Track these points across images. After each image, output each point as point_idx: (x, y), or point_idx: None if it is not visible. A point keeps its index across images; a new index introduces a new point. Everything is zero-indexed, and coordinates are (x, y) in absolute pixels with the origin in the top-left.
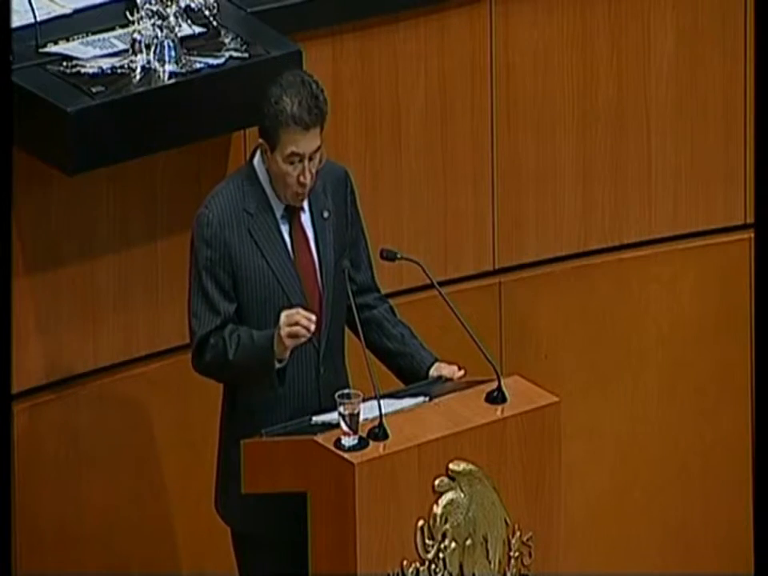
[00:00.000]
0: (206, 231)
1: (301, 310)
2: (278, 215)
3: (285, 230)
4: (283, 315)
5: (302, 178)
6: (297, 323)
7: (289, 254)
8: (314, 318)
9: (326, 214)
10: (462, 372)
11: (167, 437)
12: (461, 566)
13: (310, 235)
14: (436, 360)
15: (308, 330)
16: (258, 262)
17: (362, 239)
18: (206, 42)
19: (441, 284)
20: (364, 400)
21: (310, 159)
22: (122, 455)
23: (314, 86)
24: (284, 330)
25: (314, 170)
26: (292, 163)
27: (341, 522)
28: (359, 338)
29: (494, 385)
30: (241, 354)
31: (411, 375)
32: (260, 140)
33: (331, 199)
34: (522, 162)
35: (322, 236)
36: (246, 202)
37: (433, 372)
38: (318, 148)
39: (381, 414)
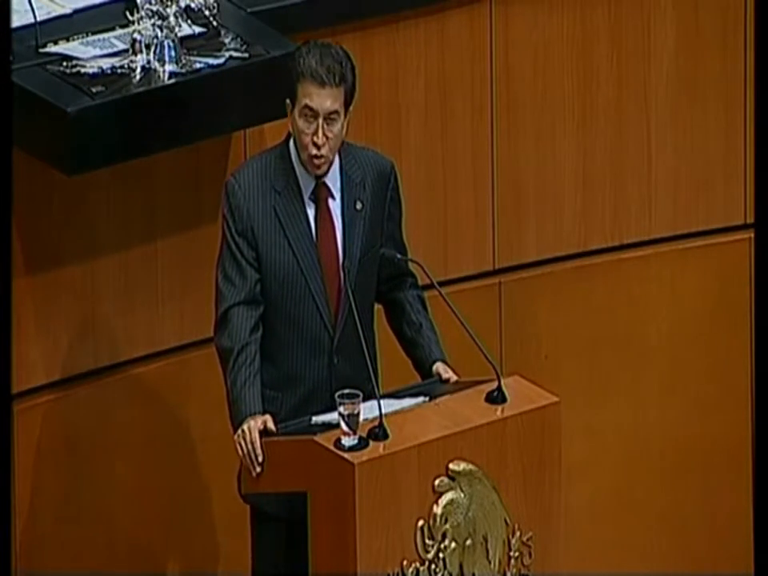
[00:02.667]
0: (232, 200)
1: (255, 434)
2: (306, 197)
3: (311, 213)
4: (245, 421)
5: (315, 138)
6: (242, 444)
7: (312, 238)
8: (255, 455)
9: (359, 206)
10: (454, 377)
11: (167, 437)
12: (461, 566)
13: (338, 224)
14: (442, 360)
15: (247, 455)
16: (280, 241)
17: (399, 235)
18: (206, 42)
19: (441, 284)
20: (364, 400)
21: (326, 120)
22: (122, 455)
23: (340, 52)
24: (236, 433)
25: (329, 135)
26: (305, 116)
27: (341, 522)
28: (359, 328)
29: (494, 385)
30: (230, 389)
31: (420, 367)
32: (287, 100)
33: (369, 191)
34: (521, 162)
35: (351, 227)
36: (275, 179)
37: (434, 370)
38: (335, 111)
39: (381, 414)
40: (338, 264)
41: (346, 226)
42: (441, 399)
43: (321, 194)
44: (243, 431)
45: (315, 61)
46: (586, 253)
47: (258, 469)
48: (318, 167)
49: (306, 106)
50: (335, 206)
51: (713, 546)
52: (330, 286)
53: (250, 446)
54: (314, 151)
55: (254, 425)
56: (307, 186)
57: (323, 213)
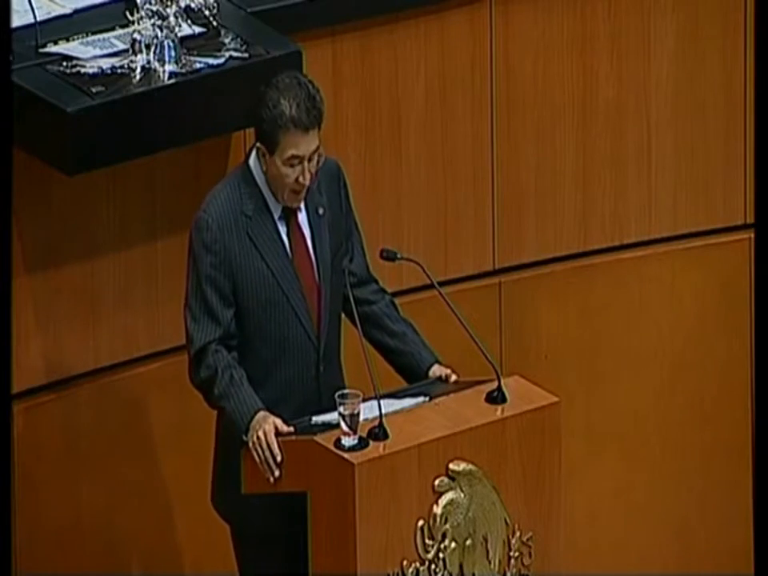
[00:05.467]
0: (206, 236)
1: (269, 438)
2: (276, 216)
3: (283, 231)
4: (256, 423)
5: (301, 179)
6: (259, 451)
7: (288, 255)
8: (274, 459)
9: (321, 211)
10: (454, 376)
11: (167, 437)
12: (461, 566)
13: (307, 234)
14: (436, 361)
15: (270, 459)
16: (258, 265)
17: (356, 230)
18: (206, 42)
19: (441, 284)
20: (364, 400)
21: (309, 160)
22: (122, 455)
23: (310, 86)
24: (250, 440)
25: (313, 170)
26: (292, 165)
27: (341, 522)
28: (358, 331)
29: (494, 385)
30: (223, 398)
31: (411, 374)
32: (257, 143)
33: (325, 195)
34: (521, 162)
35: (318, 234)
36: (244, 204)
37: (431, 374)
38: (317, 148)
39: (381, 414)
40: (313, 273)
41: (314, 234)
42: (441, 399)
43: (290, 211)
44: (259, 438)
45: (294, 107)
46: (586, 253)
47: (277, 473)
48: (300, 201)
49: (293, 156)
50: (302, 217)
51: (713, 546)
52: (309, 297)
53: (267, 452)
54: (299, 189)
55: (268, 429)
56: (276, 205)
57: (294, 228)
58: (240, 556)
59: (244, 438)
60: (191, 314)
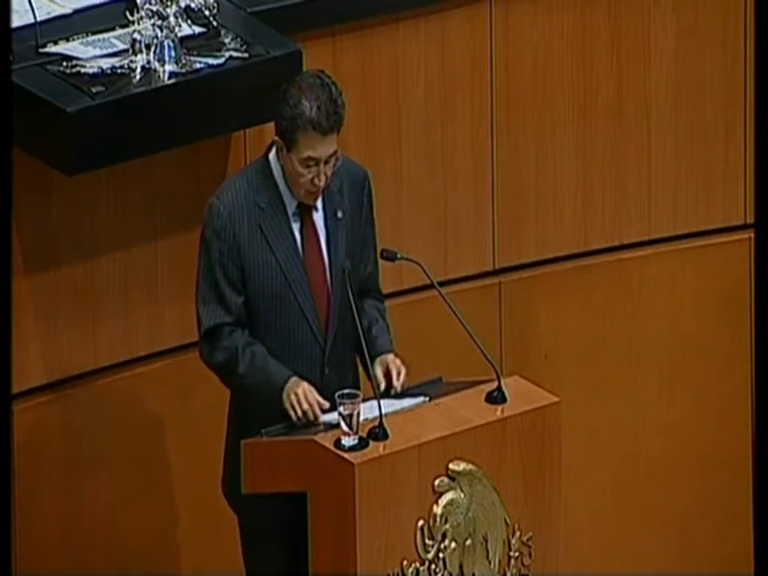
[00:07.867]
0: (217, 222)
1: (309, 396)
2: (290, 212)
3: (296, 227)
4: (292, 385)
5: (316, 181)
6: (299, 404)
7: (298, 252)
8: (317, 409)
9: (339, 214)
10: (402, 372)
11: (167, 437)
12: (461, 566)
13: (322, 235)
14: (392, 352)
15: (310, 412)
16: (267, 257)
17: (373, 240)
18: (206, 42)
19: (441, 284)
20: (364, 400)
21: (326, 163)
22: (123, 455)
23: (333, 89)
24: (286, 401)
25: (329, 173)
26: (308, 166)
27: (341, 521)
28: (361, 337)
29: (494, 385)
30: (250, 375)
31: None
32: (276, 137)
33: (347, 199)
34: (522, 162)
35: (334, 236)
36: (258, 195)
37: (379, 361)
38: (335, 152)
39: (381, 414)
40: (324, 275)
41: (329, 235)
42: (441, 399)
43: (305, 208)
44: (297, 394)
45: (315, 109)
46: (585, 253)
47: (321, 417)
48: (315, 199)
49: (309, 158)
50: (318, 217)
51: (713, 546)
52: (318, 298)
53: (306, 406)
54: (313, 189)
55: (307, 387)
56: (291, 201)
57: (308, 226)
58: (245, 548)
59: (282, 397)
60: (201, 297)
